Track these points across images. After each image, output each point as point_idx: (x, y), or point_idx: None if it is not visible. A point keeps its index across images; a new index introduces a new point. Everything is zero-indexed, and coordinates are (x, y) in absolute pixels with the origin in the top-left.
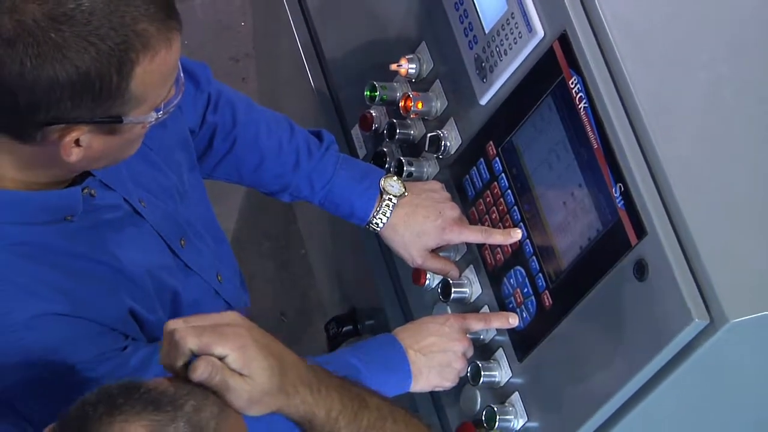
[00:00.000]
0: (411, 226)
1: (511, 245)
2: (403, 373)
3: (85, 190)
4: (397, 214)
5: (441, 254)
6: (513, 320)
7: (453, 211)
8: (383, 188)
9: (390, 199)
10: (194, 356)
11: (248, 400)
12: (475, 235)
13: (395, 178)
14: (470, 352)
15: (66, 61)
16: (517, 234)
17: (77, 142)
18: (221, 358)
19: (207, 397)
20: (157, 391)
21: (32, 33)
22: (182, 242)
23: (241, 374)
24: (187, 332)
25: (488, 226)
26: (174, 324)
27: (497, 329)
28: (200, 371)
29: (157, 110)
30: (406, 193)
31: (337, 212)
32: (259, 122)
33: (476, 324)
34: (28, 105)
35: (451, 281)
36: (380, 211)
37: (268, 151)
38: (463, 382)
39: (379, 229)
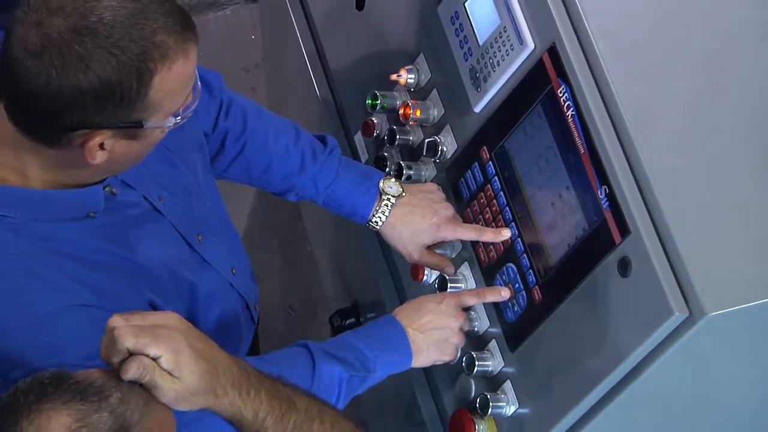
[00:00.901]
0: (408, 224)
1: (503, 243)
2: (404, 350)
3: (107, 189)
4: (396, 214)
5: (437, 251)
6: (505, 293)
7: (447, 210)
8: (382, 189)
9: (389, 200)
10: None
11: (175, 398)
12: (468, 232)
13: (393, 180)
14: (466, 327)
15: (89, 71)
16: (506, 233)
17: (101, 146)
18: (155, 358)
19: (132, 390)
20: (86, 383)
21: (57, 45)
22: (199, 237)
23: (171, 374)
24: (126, 331)
25: (482, 225)
26: (115, 321)
27: (490, 321)
28: (131, 373)
29: (175, 115)
30: (404, 194)
31: (340, 211)
32: (268, 127)
33: (471, 299)
34: (54, 112)
35: (447, 277)
36: (379, 211)
37: (275, 154)
38: (458, 370)
39: (378, 227)
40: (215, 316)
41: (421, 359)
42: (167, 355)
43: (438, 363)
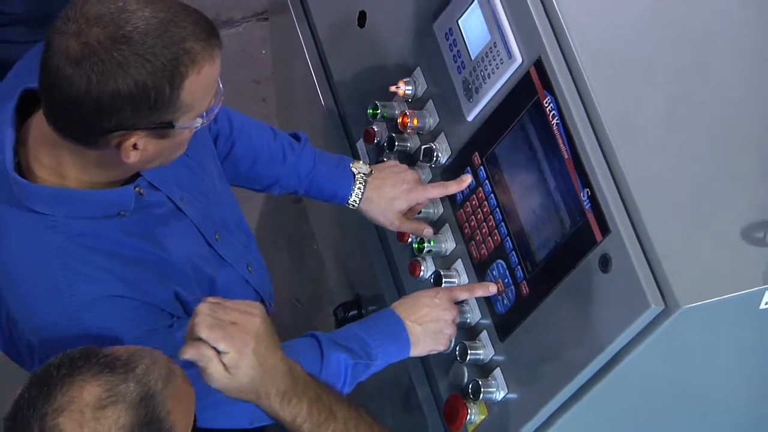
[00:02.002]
0: (383, 195)
1: (493, 242)
2: (403, 340)
3: (136, 189)
4: (369, 188)
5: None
6: (492, 288)
7: (413, 175)
8: (354, 170)
9: (362, 177)
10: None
11: (220, 387)
12: (436, 189)
13: (361, 162)
14: (458, 319)
15: (126, 76)
16: (467, 179)
17: (135, 146)
18: (220, 352)
19: (156, 362)
20: (113, 356)
21: (97, 53)
22: (216, 236)
23: (227, 370)
24: (203, 321)
25: (474, 226)
26: (201, 308)
27: (481, 313)
28: (187, 355)
29: (201, 116)
30: (372, 172)
31: (321, 196)
32: (250, 127)
33: (462, 294)
34: (93, 115)
35: (441, 273)
36: (356, 189)
37: (259, 149)
38: (452, 358)
39: (357, 204)
40: None
41: (418, 348)
42: (232, 354)
43: (433, 352)
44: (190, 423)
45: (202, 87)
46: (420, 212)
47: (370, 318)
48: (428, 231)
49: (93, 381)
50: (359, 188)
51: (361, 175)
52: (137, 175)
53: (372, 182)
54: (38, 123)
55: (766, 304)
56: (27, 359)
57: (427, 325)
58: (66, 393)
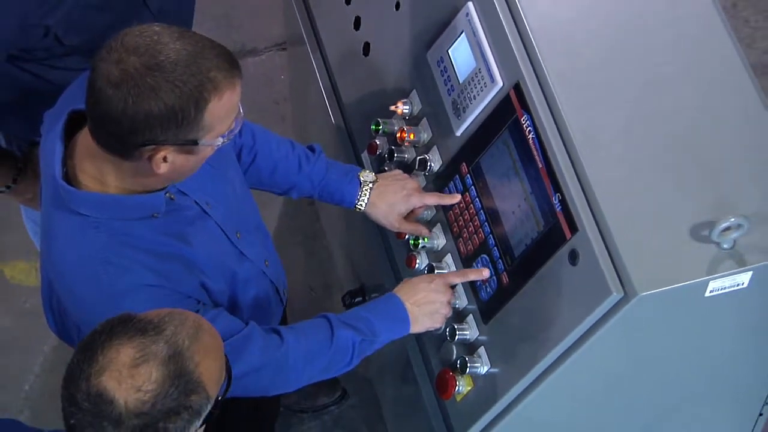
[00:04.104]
0: (385, 200)
1: (478, 239)
2: (403, 319)
3: (167, 195)
4: (374, 194)
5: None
6: (485, 273)
7: (413, 183)
8: (361, 178)
9: (367, 185)
10: None
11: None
12: (432, 198)
13: (367, 171)
14: (453, 300)
15: (158, 99)
16: (457, 197)
17: (164, 159)
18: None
19: (184, 323)
20: (145, 321)
21: (133, 78)
22: (237, 235)
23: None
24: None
25: (462, 225)
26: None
27: (468, 299)
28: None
29: (222, 136)
30: (377, 180)
31: (332, 200)
32: (271, 140)
33: (456, 278)
34: (129, 131)
35: (433, 264)
36: (362, 194)
37: (279, 160)
38: (443, 338)
39: (363, 207)
40: (251, 297)
41: (417, 326)
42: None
43: (430, 329)
44: (218, 370)
45: (223, 111)
46: (420, 215)
47: (375, 301)
48: (424, 232)
49: (128, 344)
50: (365, 194)
51: (367, 182)
52: None
53: (376, 189)
54: (83, 138)
55: (710, 292)
56: (75, 339)
57: (424, 306)
58: (106, 355)
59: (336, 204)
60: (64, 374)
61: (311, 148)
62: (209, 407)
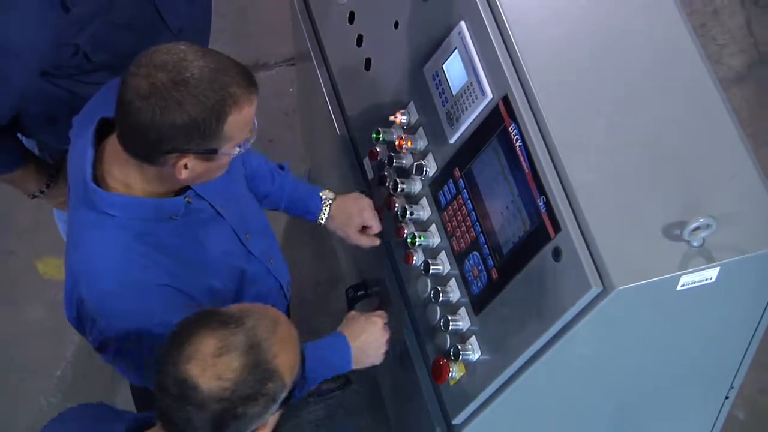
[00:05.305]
0: (342, 213)
1: (470, 237)
2: (346, 362)
3: (186, 198)
4: (333, 209)
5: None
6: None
7: (367, 202)
8: (323, 196)
9: (327, 201)
10: None
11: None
12: (374, 221)
13: (328, 190)
14: (388, 336)
15: (183, 111)
16: (379, 227)
17: (186, 166)
18: None
19: (263, 317)
20: (228, 314)
21: (161, 92)
22: (247, 236)
23: None
24: None
25: (455, 225)
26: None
27: (460, 293)
28: None
29: (239, 146)
30: (335, 198)
31: (297, 212)
32: (249, 154)
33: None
34: (156, 140)
35: (429, 261)
36: (323, 209)
37: (257, 169)
38: (438, 328)
39: (323, 221)
40: (257, 293)
41: (358, 365)
42: None
43: (368, 365)
44: (293, 359)
45: (241, 123)
46: (376, 230)
47: (324, 339)
48: (376, 243)
49: (211, 335)
50: (325, 210)
51: (328, 199)
52: (187, 187)
53: (335, 205)
54: (112, 145)
55: (681, 286)
56: (87, 331)
57: (366, 349)
58: (192, 344)
59: (300, 216)
60: (154, 364)
61: (281, 166)
62: (285, 393)
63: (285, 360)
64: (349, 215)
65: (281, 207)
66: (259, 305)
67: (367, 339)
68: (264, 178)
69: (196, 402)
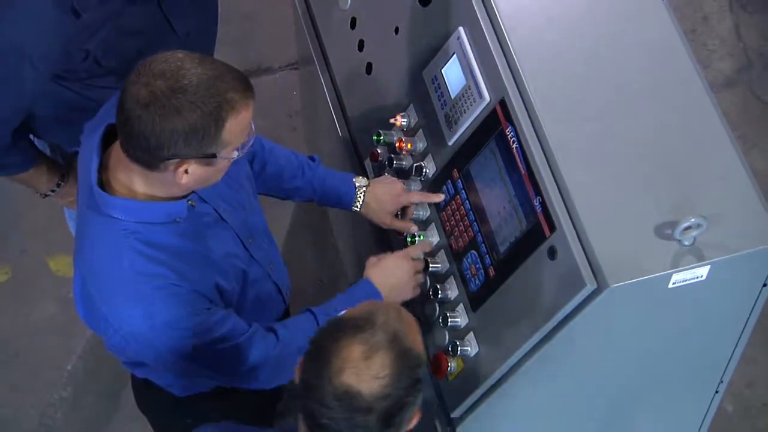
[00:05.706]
0: (376, 200)
1: (468, 236)
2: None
3: (189, 202)
4: (367, 196)
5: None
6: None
7: (400, 185)
8: (356, 183)
9: (361, 189)
10: None
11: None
12: (418, 196)
13: (361, 177)
14: (421, 268)
15: (182, 118)
16: (441, 196)
17: (186, 171)
18: None
19: (387, 311)
20: (355, 318)
21: (160, 99)
22: (249, 240)
23: None
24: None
25: (453, 224)
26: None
27: (458, 291)
28: None
29: (238, 150)
30: (369, 184)
31: (331, 203)
32: (277, 150)
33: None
34: (156, 146)
35: (428, 259)
36: (357, 197)
37: (285, 167)
38: (436, 324)
39: (358, 208)
40: (256, 295)
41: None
42: None
43: (401, 300)
44: (421, 339)
45: (239, 128)
46: (412, 214)
47: (351, 288)
48: (413, 229)
49: (353, 341)
50: (360, 197)
51: (361, 186)
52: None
53: (369, 192)
54: (117, 150)
55: (673, 284)
56: (103, 330)
57: (394, 284)
58: (339, 356)
59: (334, 206)
60: (300, 388)
61: (311, 158)
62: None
63: (418, 341)
64: (382, 201)
65: (315, 199)
66: (374, 301)
67: (395, 281)
68: (294, 172)
69: (363, 407)
